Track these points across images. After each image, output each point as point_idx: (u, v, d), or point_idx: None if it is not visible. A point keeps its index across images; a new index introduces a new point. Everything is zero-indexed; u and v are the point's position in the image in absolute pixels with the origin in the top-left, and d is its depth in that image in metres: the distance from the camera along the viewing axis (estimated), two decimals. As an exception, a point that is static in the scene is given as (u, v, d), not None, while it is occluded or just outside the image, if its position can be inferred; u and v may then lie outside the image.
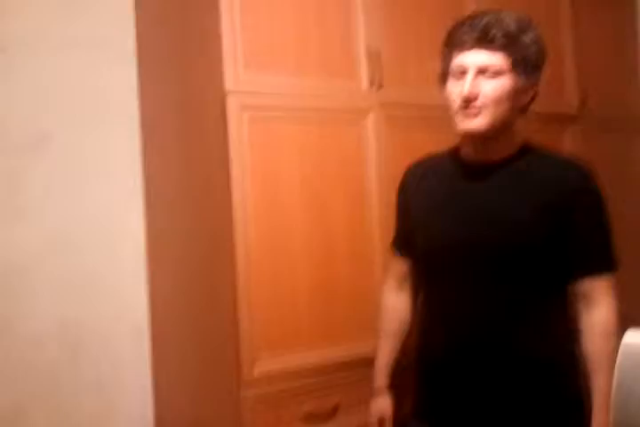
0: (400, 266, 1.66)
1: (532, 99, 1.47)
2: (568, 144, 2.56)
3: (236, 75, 1.72)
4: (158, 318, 2.10)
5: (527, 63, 1.40)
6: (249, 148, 1.73)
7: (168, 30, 2.01)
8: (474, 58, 1.38)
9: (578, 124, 2.59)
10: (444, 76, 1.46)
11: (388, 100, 2.00)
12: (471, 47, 1.38)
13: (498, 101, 1.37)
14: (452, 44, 1.42)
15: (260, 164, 1.75)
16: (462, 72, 1.39)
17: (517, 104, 1.42)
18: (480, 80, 1.37)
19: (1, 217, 1.92)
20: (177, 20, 1.95)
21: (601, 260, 1.43)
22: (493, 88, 1.37)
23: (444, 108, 2.07)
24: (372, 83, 1.96)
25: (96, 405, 2.04)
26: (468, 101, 1.37)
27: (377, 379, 1.67)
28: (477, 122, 1.39)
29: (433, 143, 2.06)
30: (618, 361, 0.93)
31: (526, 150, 1.48)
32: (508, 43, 1.36)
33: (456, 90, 1.40)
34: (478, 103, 1.37)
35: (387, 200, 1.88)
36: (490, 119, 1.38)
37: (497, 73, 1.37)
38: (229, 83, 1.71)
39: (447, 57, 1.44)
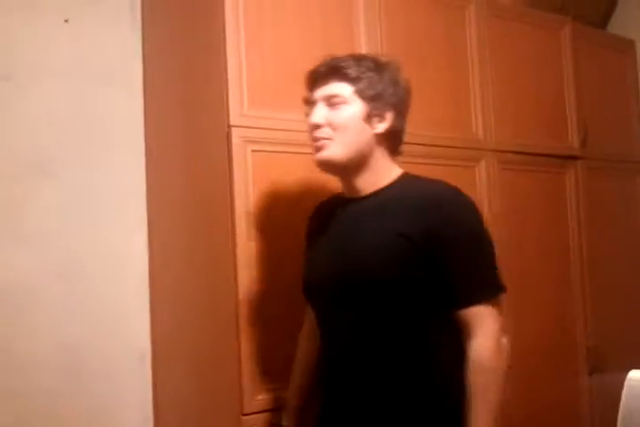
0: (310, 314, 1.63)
1: (395, 135, 1.46)
2: (570, 184, 2.59)
3: (241, 110, 1.75)
4: (161, 343, 2.10)
5: (374, 92, 1.40)
6: (252, 180, 1.74)
7: (175, 63, 2.05)
8: (319, 91, 1.43)
9: (579, 164, 2.62)
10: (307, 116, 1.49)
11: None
12: (317, 82, 1.44)
13: (343, 129, 1.39)
14: (307, 84, 1.48)
15: (263, 196, 1.75)
16: (312, 104, 1.44)
17: (368, 132, 1.41)
18: (327, 110, 1.40)
19: (6, 242, 1.93)
20: (184, 52, 1.99)
21: (475, 288, 1.34)
22: (337, 116, 1.39)
23: (444, 147, 2.16)
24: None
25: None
26: (314, 129, 1.41)
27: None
28: (326, 153, 1.40)
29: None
30: (623, 394, 0.92)
31: (400, 182, 1.46)
32: (352, 74, 1.40)
33: (308, 122, 1.44)
34: (325, 133, 1.39)
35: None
36: (338, 149, 1.39)
37: (341, 102, 1.39)
38: (234, 117, 1.74)
39: (307, 94, 1.48)
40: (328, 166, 1.44)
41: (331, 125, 1.39)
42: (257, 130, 1.76)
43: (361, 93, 1.40)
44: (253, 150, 1.74)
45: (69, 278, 2.01)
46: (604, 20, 3.06)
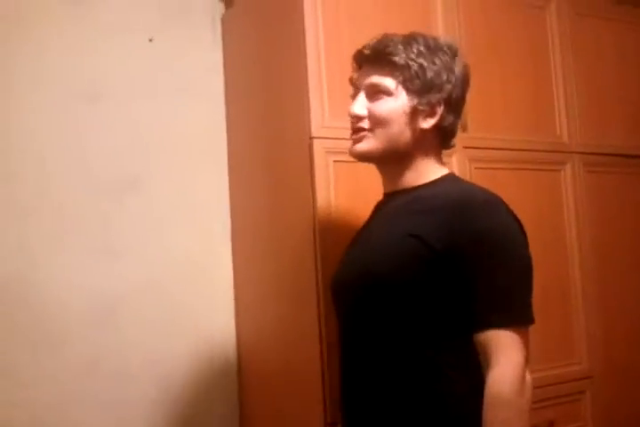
0: None
1: (446, 130, 1.33)
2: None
3: (322, 121, 1.76)
4: (247, 356, 2.13)
5: (422, 84, 1.26)
6: (335, 191, 1.75)
7: (256, 78, 2.08)
8: (364, 76, 1.31)
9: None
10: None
11: (472, 144, 2.00)
12: (363, 65, 1.32)
13: (385, 123, 1.27)
14: (353, 64, 1.37)
15: (345, 207, 1.76)
16: (355, 91, 1.34)
17: (413, 128, 1.28)
18: (369, 101, 1.29)
19: (94, 256, 1.99)
20: (264, 65, 2.02)
21: (497, 310, 1.14)
22: (378, 109, 1.28)
23: (528, 151, 2.11)
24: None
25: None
26: (354, 120, 1.31)
27: None
28: (363, 146, 1.30)
29: (516, 183, 2.06)
30: None
31: (437, 183, 1.30)
32: (399, 62, 1.26)
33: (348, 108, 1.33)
34: (365, 124, 1.29)
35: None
36: (376, 143, 1.28)
37: (385, 93, 1.27)
38: (316, 129, 1.76)
39: (350, 79, 1.38)
40: (363, 159, 1.35)
41: (371, 118, 1.28)
42: (339, 141, 1.75)
43: (407, 85, 1.26)
44: (335, 161, 1.75)
45: (157, 292, 2.06)
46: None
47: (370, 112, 1.28)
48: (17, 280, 1.88)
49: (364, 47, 1.32)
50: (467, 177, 1.95)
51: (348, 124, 1.76)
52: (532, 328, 1.30)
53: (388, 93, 1.27)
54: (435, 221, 1.19)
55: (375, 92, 1.28)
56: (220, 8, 2.26)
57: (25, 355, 1.87)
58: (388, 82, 1.27)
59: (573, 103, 2.26)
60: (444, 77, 1.28)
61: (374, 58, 1.29)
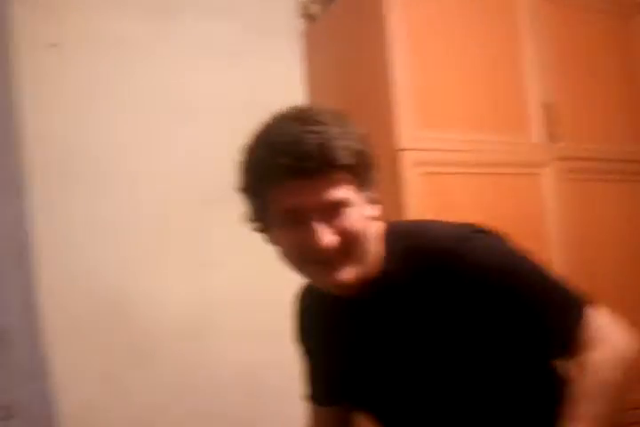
0: (325, 416, 1.22)
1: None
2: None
3: (410, 133, 1.75)
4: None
5: (369, 178, 0.98)
6: (423, 203, 1.72)
7: (337, 91, 2.07)
8: (309, 194, 0.91)
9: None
10: (262, 221, 1.00)
11: (564, 154, 1.94)
12: (298, 178, 0.90)
13: (358, 236, 0.95)
14: (263, 175, 0.93)
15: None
16: (298, 217, 0.93)
17: (373, 226, 0.99)
18: (326, 220, 0.93)
19: (189, 266, 2.02)
20: (347, 80, 2.02)
21: (564, 311, 0.93)
22: (350, 223, 0.94)
23: (623, 160, 2.00)
24: (547, 136, 1.91)
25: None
26: (328, 253, 0.93)
27: None
28: (349, 271, 0.96)
29: (611, 195, 1.97)
30: None
31: (388, 252, 1.01)
32: (350, 165, 0.93)
33: (297, 240, 0.94)
34: (340, 250, 0.94)
35: (566, 257, 1.84)
36: (361, 259, 0.96)
37: (344, 205, 0.93)
38: (404, 140, 1.74)
39: (260, 194, 0.96)
40: (348, 285, 0.98)
41: (345, 239, 0.94)
42: (426, 152, 1.75)
43: (359, 183, 0.96)
44: (423, 172, 1.73)
45: (249, 302, 2.07)
46: None
47: (343, 233, 0.94)
48: (117, 293, 1.92)
49: (278, 148, 0.90)
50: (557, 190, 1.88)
51: (434, 135, 1.77)
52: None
53: (350, 205, 0.95)
54: (448, 295, 0.96)
55: (333, 209, 0.93)
56: (302, 24, 2.28)
57: (126, 363, 1.91)
58: (350, 194, 0.94)
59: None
60: (369, 158, 0.98)
61: (317, 168, 0.90)
